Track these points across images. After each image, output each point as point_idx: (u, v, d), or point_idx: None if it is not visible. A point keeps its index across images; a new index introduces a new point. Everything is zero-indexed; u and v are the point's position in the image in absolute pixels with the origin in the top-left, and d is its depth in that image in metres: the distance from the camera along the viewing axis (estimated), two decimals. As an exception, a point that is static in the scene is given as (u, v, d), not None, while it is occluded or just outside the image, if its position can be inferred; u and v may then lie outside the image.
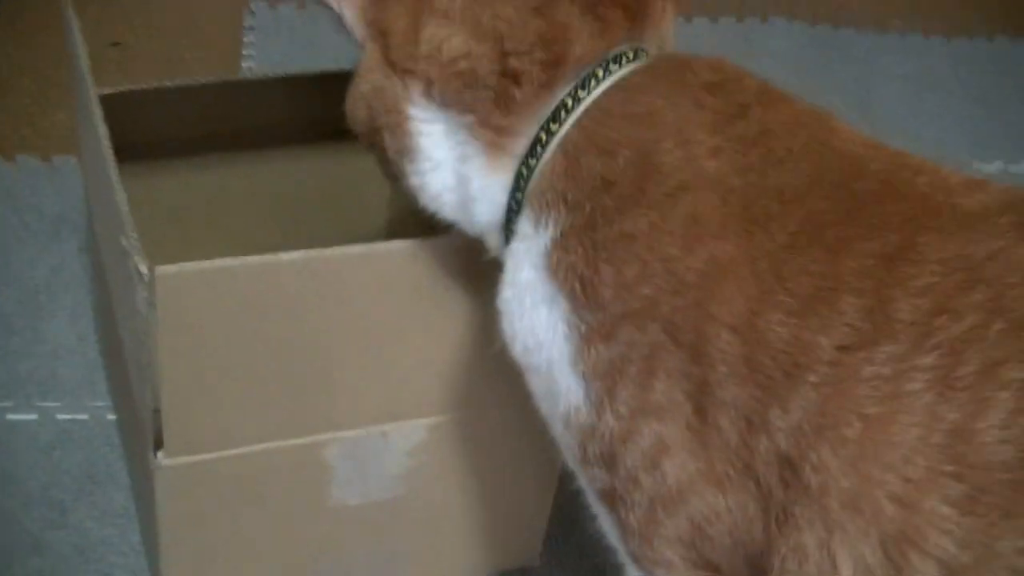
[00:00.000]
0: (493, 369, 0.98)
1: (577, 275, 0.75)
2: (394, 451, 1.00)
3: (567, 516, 1.16)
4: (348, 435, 0.97)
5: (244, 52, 1.88)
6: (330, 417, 0.96)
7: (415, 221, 0.92)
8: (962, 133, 1.84)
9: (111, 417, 1.24)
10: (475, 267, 0.88)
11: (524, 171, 0.80)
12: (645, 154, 0.74)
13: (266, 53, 1.88)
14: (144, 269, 0.82)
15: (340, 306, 0.90)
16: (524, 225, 0.79)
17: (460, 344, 0.96)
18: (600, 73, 0.79)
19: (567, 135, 0.78)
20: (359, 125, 0.87)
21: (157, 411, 0.89)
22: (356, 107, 0.87)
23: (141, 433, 0.95)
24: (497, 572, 1.17)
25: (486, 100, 0.79)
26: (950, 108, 1.89)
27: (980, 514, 0.62)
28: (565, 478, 1.09)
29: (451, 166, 0.83)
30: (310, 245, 0.88)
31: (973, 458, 0.62)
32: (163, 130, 1.13)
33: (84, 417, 1.25)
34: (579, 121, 0.78)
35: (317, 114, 1.21)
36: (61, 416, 1.25)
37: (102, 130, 0.93)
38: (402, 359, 0.95)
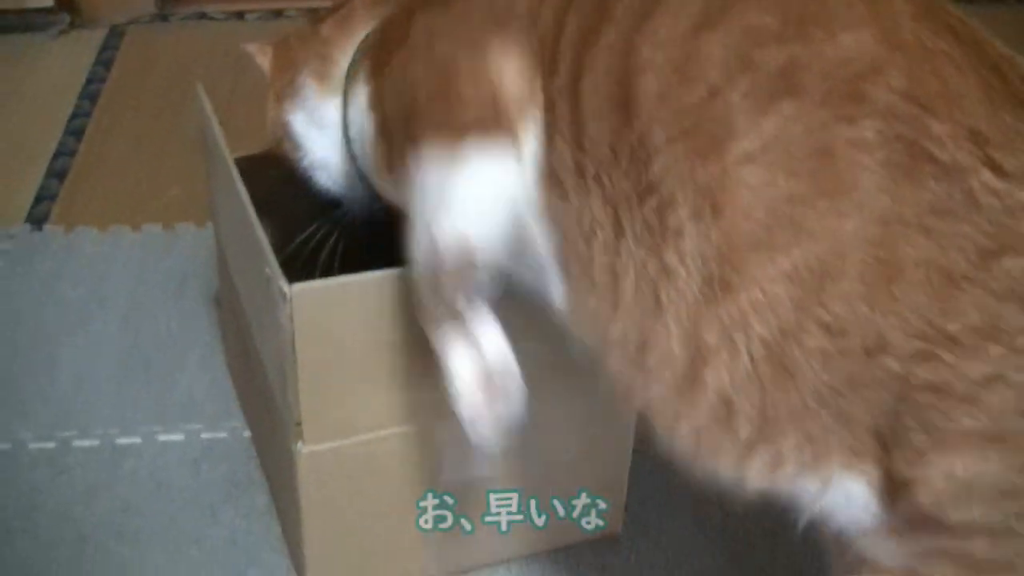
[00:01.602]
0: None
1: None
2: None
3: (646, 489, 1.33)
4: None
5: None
6: (438, 407, 1.15)
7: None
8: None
9: (246, 434, 1.44)
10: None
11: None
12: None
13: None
14: (286, 289, 1.03)
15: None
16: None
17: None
18: None
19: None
20: (272, 141, 1.21)
21: (298, 409, 1.10)
22: (268, 130, 1.21)
23: (283, 429, 1.15)
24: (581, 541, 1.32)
25: (313, 73, 1.15)
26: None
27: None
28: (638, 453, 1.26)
29: (321, 132, 1.15)
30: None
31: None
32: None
33: (224, 435, 1.44)
34: None
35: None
36: (204, 435, 1.44)
37: (239, 185, 1.15)
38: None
